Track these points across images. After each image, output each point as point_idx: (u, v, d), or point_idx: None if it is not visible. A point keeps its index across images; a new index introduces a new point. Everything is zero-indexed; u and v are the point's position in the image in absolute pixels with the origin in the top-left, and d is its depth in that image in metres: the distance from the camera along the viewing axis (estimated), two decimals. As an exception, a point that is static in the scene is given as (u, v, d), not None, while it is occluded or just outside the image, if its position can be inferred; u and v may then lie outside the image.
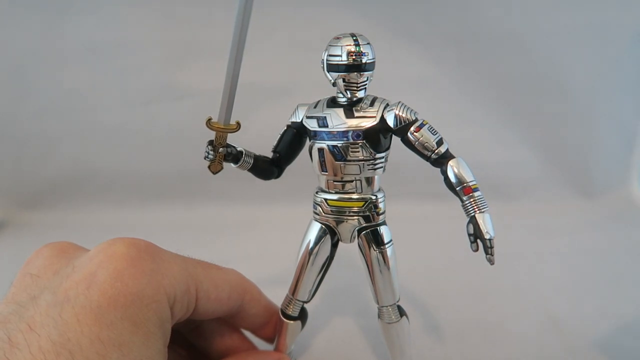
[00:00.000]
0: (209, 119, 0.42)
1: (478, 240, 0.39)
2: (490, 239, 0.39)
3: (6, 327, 0.32)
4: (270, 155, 0.46)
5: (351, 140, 0.42)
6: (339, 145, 0.42)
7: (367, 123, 0.42)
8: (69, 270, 0.35)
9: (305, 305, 0.49)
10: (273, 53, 0.91)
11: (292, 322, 0.48)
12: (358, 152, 0.42)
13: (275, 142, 0.46)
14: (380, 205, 0.44)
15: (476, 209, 0.39)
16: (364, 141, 0.42)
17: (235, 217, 0.92)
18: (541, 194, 0.98)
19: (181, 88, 0.94)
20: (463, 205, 0.40)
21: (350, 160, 0.42)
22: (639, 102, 0.98)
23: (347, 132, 0.42)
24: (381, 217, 0.45)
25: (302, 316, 0.49)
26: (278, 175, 0.47)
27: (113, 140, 0.97)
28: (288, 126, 0.46)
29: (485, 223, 0.39)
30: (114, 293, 0.33)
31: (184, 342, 0.48)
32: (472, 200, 0.39)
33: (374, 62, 0.41)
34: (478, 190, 0.40)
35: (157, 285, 0.35)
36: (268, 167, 0.46)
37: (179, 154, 0.96)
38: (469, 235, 0.39)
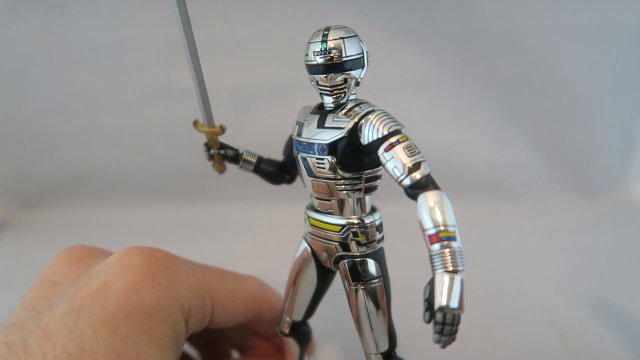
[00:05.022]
0: (195, 121, 0.42)
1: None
2: (443, 312, 0.28)
3: (22, 333, 0.32)
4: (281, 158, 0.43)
5: (317, 155, 0.35)
6: (307, 158, 0.36)
7: (332, 135, 0.34)
8: (85, 279, 0.35)
9: (311, 322, 0.46)
10: (273, 53, 0.91)
11: (287, 339, 0.46)
12: (324, 168, 0.35)
13: (284, 145, 0.43)
14: (369, 233, 0.36)
15: (447, 265, 0.28)
16: (331, 157, 0.35)
17: (234, 217, 0.92)
18: (541, 194, 0.98)
19: (181, 88, 0.94)
20: (430, 257, 0.29)
21: (319, 178, 0.36)
22: (639, 102, 0.98)
23: (312, 144, 0.35)
24: (368, 247, 0.37)
25: (298, 334, 0.45)
26: (290, 181, 0.44)
27: (113, 140, 0.97)
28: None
29: (450, 287, 0.28)
30: (129, 306, 0.32)
31: (199, 339, 0.48)
32: (444, 250, 0.29)
33: (355, 60, 0.35)
34: (455, 240, 0.29)
35: (172, 299, 0.35)
36: (275, 171, 0.43)
37: (179, 154, 0.96)
38: (424, 300, 0.29)
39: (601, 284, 0.69)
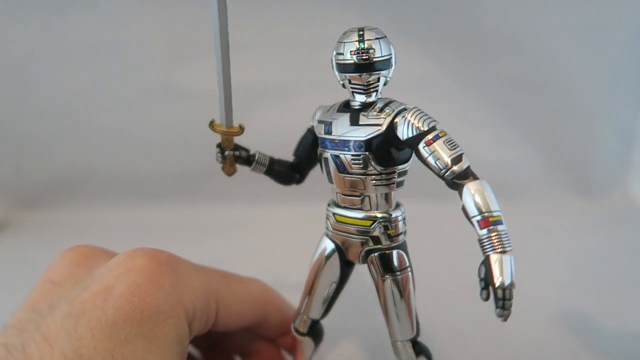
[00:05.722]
0: (212, 121, 0.41)
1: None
2: (503, 288, 0.30)
3: (22, 335, 0.31)
4: (291, 158, 0.44)
5: (353, 152, 0.37)
6: (340, 155, 0.38)
7: (371, 132, 0.36)
8: (87, 281, 0.34)
9: (323, 320, 0.46)
10: (273, 53, 0.91)
11: (303, 338, 0.46)
12: (360, 165, 0.37)
13: (295, 146, 0.43)
14: (396, 226, 0.38)
15: (497, 247, 0.31)
16: (367, 153, 0.36)
17: (235, 217, 0.92)
18: (541, 194, 0.98)
19: (181, 88, 0.94)
20: (479, 241, 0.32)
21: (352, 174, 0.37)
22: (639, 102, 0.98)
23: (348, 141, 0.37)
24: (395, 240, 0.39)
25: (314, 333, 0.45)
26: (300, 181, 0.44)
27: (113, 140, 0.97)
28: (308, 129, 0.42)
29: (503, 266, 0.31)
30: (130, 308, 0.32)
31: (202, 342, 0.47)
32: (492, 234, 0.32)
33: (386, 60, 0.37)
34: (501, 224, 0.32)
35: (175, 301, 0.34)
36: (286, 172, 0.43)
37: (179, 154, 0.96)
38: (480, 279, 0.32)
39: (601, 284, 0.69)
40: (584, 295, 0.66)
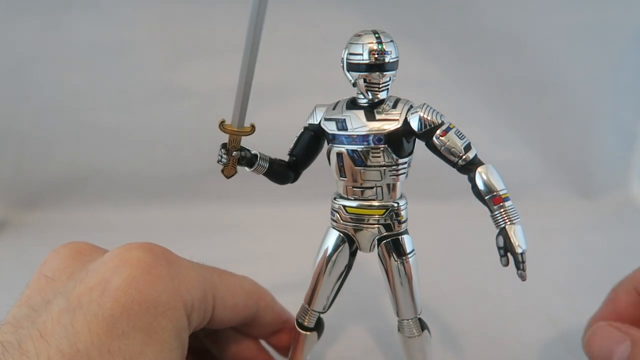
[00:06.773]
0: (222, 122, 0.40)
1: (509, 254, 0.38)
2: (522, 253, 0.37)
3: (18, 331, 0.31)
4: (286, 158, 0.44)
5: (372, 145, 0.40)
6: (358, 149, 0.40)
7: (390, 126, 0.39)
8: (82, 275, 0.34)
9: (322, 315, 0.47)
10: (273, 53, 0.91)
11: (308, 333, 0.46)
12: (379, 157, 0.40)
13: (292, 145, 0.44)
14: (402, 213, 0.42)
15: (507, 220, 0.37)
16: (386, 146, 0.39)
17: (235, 217, 0.92)
18: (541, 194, 0.98)
19: (181, 88, 0.94)
20: (492, 216, 0.38)
21: (370, 166, 0.40)
22: (639, 102, 0.98)
23: (367, 135, 0.39)
24: (403, 225, 0.42)
25: (319, 327, 0.47)
26: (294, 180, 0.45)
27: (113, 140, 0.97)
28: (305, 128, 0.43)
29: (517, 235, 0.37)
30: (127, 300, 0.31)
31: (196, 346, 0.47)
32: (502, 210, 0.38)
33: (397, 61, 0.40)
34: (509, 200, 0.38)
35: (173, 292, 0.34)
36: (284, 171, 0.44)
37: (180, 153, 0.96)
38: (499, 248, 0.38)
39: (601, 284, 0.68)
40: (584, 295, 0.66)
